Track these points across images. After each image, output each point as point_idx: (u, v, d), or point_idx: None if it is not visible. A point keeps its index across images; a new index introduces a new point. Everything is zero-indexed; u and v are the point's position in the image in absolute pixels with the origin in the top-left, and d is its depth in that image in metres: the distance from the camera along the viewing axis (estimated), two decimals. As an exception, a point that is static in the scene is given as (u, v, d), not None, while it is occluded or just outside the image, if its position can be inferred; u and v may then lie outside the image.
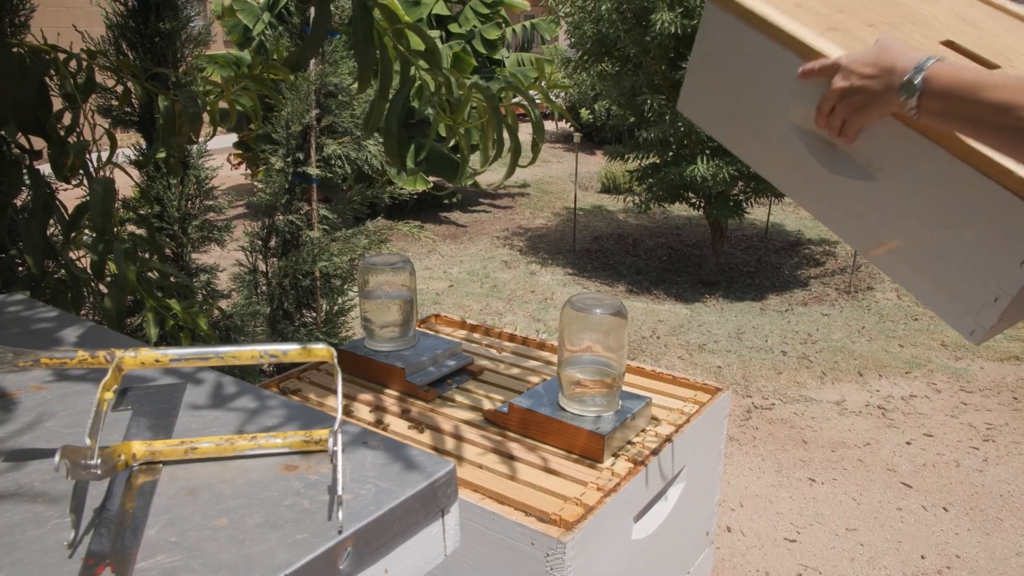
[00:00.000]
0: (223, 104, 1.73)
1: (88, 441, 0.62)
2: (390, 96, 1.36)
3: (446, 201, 7.90)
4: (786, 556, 2.58)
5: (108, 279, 1.49)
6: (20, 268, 1.69)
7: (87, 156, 1.53)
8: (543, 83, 1.66)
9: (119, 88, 1.72)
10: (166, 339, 1.62)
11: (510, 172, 1.54)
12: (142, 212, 2.39)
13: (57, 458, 0.57)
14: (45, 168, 1.59)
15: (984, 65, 1.17)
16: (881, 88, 1.00)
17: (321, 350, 0.74)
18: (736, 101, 1.26)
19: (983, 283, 1.05)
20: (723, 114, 1.29)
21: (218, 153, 2.54)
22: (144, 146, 2.50)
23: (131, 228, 2.09)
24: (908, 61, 0.97)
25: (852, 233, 1.21)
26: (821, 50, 1.10)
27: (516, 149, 1.51)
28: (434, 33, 7.68)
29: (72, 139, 1.50)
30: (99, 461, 0.62)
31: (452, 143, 6.77)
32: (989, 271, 1.04)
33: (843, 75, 1.03)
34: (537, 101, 1.55)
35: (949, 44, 1.21)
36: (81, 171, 1.51)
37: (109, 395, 0.67)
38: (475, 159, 8.90)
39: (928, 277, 1.12)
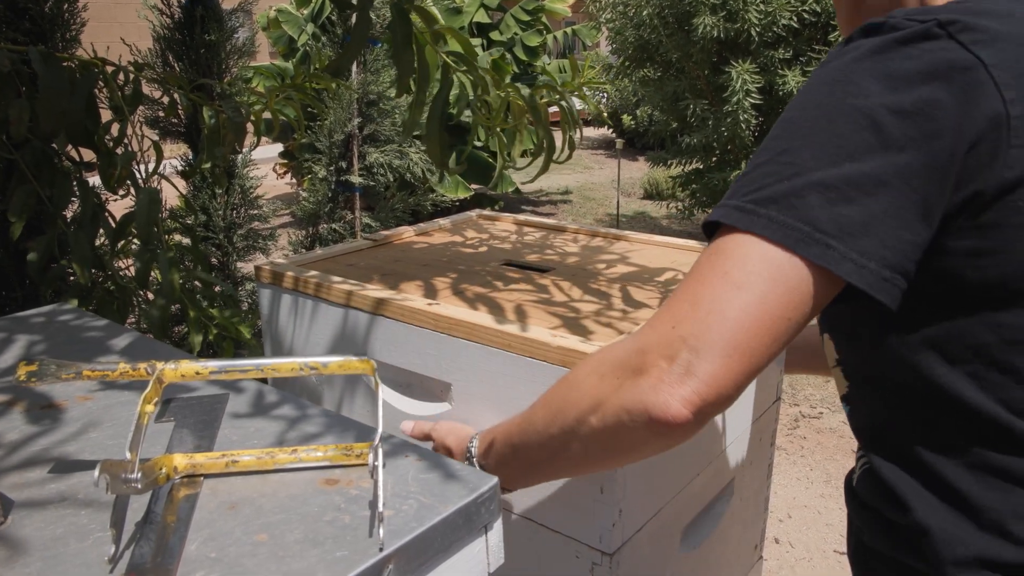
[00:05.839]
0: (266, 115, 1.74)
1: (128, 455, 0.61)
2: (428, 100, 1.35)
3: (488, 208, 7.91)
4: (836, 569, 2.51)
5: (154, 288, 1.50)
6: (71, 277, 1.71)
7: (134, 167, 1.55)
8: (579, 82, 1.63)
9: (166, 99, 1.74)
10: (210, 347, 1.63)
11: (543, 169, 1.52)
12: (187, 222, 2.42)
13: (97, 473, 0.57)
14: (94, 180, 1.62)
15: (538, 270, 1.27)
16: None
17: (361, 363, 0.73)
18: None
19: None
20: None
21: (263, 163, 2.56)
22: (190, 156, 2.53)
23: (177, 238, 2.12)
24: (460, 444, 0.96)
25: None
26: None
27: (550, 146, 1.49)
28: (475, 41, 7.70)
29: (120, 150, 1.52)
30: (139, 475, 0.61)
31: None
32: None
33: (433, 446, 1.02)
34: (577, 105, 1.53)
35: (508, 263, 1.27)
36: (128, 182, 1.53)
37: (150, 408, 0.67)
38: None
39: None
